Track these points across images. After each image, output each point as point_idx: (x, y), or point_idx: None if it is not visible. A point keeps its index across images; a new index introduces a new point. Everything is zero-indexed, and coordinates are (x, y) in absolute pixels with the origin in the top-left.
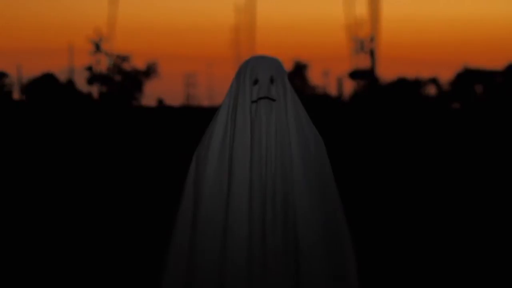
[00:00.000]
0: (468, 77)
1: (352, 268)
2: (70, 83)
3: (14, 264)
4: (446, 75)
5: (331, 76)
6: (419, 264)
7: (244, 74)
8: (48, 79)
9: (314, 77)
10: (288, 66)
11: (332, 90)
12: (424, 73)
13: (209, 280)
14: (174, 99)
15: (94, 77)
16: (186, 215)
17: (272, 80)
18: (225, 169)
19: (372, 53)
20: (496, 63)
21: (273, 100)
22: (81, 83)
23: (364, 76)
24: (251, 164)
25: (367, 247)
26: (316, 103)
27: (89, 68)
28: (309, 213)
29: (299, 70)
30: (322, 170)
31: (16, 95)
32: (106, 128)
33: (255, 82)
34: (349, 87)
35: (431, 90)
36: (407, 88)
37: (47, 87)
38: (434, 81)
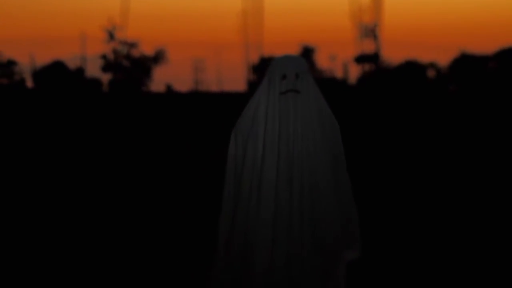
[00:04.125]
0: (465, 61)
1: (356, 226)
2: (80, 70)
3: (17, 258)
4: (448, 57)
5: (337, 60)
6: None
7: (274, 70)
8: (57, 67)
9: (322, 61)
10: (295, 50)
11: (339, 74)
12: (427, 56)
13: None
14: (183, 84)
15: (108, 65)
16: (231, 186)
17: (297, 76)
18: (260, 149)
19: (376, 39)
20: (494, 45)
21: (298, 92)
22: (93, 71)
23: (369, 61)
24: (279, 144)
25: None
26: (324, 87)
27: (103, 57)
28: (325, 182)
29: (307, 54)
30: (336, 150)
31: (29, 83)
32: (116, 114)
33: (283, 77)
34: (354, 71)
35: (431, 73)
36: (414, 71)
37: (57, 75)
38: (432, 65)
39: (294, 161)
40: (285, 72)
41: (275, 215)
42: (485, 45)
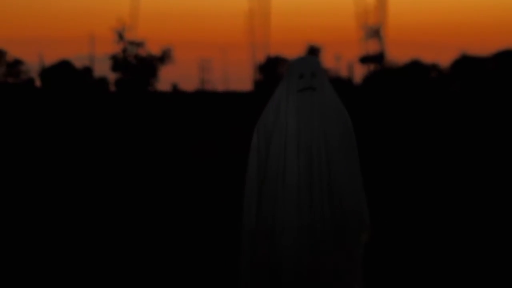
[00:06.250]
0: (465, 63)
1: (363, 197)
2: (87, 69)
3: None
4: (450, 57)
5: (343, 60)
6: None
7: (292, 70)
8: (64, 66)
9: (327, 60)
10: (301, 50)
11: (344, 74)
12: (430, 57)
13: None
14: (189, 84)
15: (118, 65)
16: (253, 174)
17: (313, 74)
18: (283, 140)
19: (380, 39)
20: (493, 47)
21: (314, 89)
22: (101, 70)
23: (374, 61)
24: (298, 136)
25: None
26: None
27: (113, 57)
28: (342, 169)
29: (313, 53)
30: (349, 142)
31: (38, 82)
32: (123, 113)
33: (301, 76)
34: (359, 71)
35: (433, 73)
36: (418, 71)
37: (64, 74)
38: (434, 66)
39: (313, 150)
40: (302, 71)
41: (299, 196)
42: (485, 46)
